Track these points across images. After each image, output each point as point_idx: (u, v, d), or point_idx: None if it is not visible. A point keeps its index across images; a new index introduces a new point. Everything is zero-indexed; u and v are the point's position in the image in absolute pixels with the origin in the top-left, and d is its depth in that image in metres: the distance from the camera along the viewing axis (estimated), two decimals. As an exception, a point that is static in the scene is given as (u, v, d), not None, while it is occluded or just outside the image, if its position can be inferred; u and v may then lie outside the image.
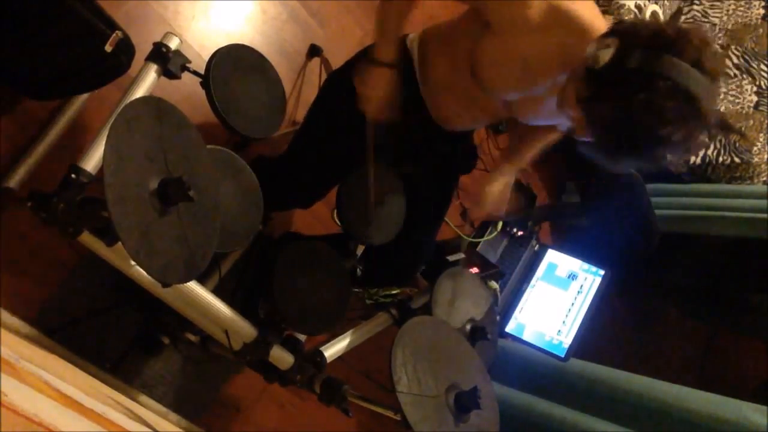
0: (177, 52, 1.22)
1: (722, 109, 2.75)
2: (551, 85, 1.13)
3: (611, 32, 0.95)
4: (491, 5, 1.06)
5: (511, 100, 1.24)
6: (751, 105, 2.76)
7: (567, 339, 1.92)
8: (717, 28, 2.94)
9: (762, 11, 2.88)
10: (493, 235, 1.98)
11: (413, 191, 1.47)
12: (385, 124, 1.26)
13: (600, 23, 1.04)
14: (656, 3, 2.61)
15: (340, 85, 1.41)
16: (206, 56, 1.29)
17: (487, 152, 2.58)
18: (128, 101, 0.88)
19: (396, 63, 1.21)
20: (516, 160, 1.51)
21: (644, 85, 0.87)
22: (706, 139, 0.93)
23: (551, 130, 1.42)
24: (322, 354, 1.23)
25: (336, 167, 1.42)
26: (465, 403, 1.08)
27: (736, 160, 2.66)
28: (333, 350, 1.26)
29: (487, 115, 1.34)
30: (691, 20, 2.92)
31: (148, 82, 1.17)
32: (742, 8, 2.87)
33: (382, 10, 1.20)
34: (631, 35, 0.91)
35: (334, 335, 1.32)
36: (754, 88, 2.77)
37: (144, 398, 1.53)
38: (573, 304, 2.01)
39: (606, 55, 0.91)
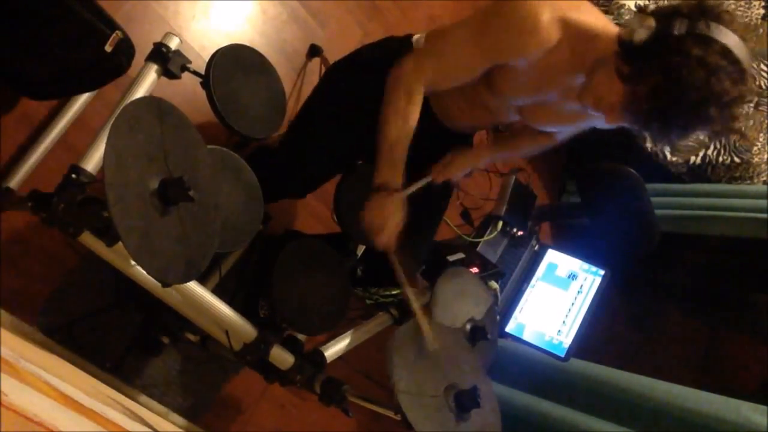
0: (177, 52, 1.22)
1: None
2: (564, 90, 1.14)
3: (646, 12, 0.96)
4: (509, 50, 1.07)
5: (521, 105, 1.24)
6: (751, 105, 2.76)
7: (567, 339, 1.92)
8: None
9: (762, 11, 2.88)
10: (493, 235, 1.97)
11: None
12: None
13: (605, 23, 1.06)
14: (656, 3, 2.61)
15: (341, 77, 1.41)
16: (206, 56, 1.29)
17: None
18: (128, 101, 0.88)
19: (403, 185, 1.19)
20: (497, 149, 1.50)
21: (693, 47, 0.88)
22: (740, 123, 0.94)
23: (548, 136, 1.42)
24: (322, 354, 1.23)
25: (335, 157, 1.42)
26: (465, 402, 1.08)
27: (736, 160, 2.66)
28: (333, 350, 1.26)
29: (493, 116, 1.34)
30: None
31: (148, 82, 1.17)
32: (742, 8, 2.87)
33: (390, 135, 1.16)
34: (670, 9, 0.93)
35: (334, 335, 1.32)
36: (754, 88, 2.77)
37: (144, 398, 1.53)
38: (573, 304, 2.01)
39: (647, 29, 0.92)
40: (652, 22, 0.93)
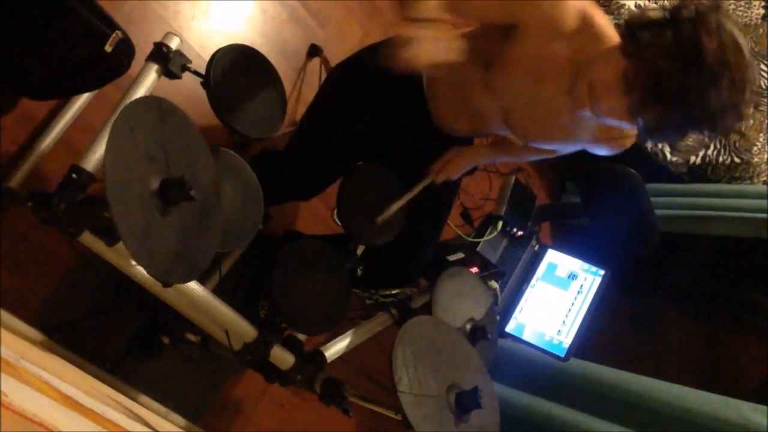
0: (177, 52, 1.22)
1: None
2: (560, 99, 1.13)
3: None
4: (529, 11, 1.06)
5: (512, 113, 1.24)
6: (752, 105, 2.76)
7: (567, 339, 1.92)
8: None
9: (762, 11, 2.88)
10: (493, 235, 1.97)
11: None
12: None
13: (614, 33, 1.07)
14: (656, 3, 2.61)
15: (342, 80, 1.41)
16: (206, 56, 1.29)
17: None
18: (129, 101, 0.88)
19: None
20: (498, 151, 1.50)
21: (706, 22, 0.89)
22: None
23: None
24: (322, 354, 1.23)
25: (339, 160, 1.42)
26: (466, 402, 1.08)
27: (736, 160, 2.66)
28: (333, 350, 1.26)
29: (485, 125, 1.34)
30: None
31: (148, 82, 1.17)
32: (742, 8, 2.87)
33: None
34: (676, 5, 0.94)
35: (334, 335, 1.31)
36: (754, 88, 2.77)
37: (144, 398, 1.52)
38: (573, 304, 2.01)
39: (656, 15, 0.93)
40: (659, 14, 0.94)
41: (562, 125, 1.20)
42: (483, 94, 1.22)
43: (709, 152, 2.66)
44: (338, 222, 1.97)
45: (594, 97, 1.03)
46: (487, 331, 1.37)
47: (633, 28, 0.96)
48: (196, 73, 1.27)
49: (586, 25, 1.04)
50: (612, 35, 1.06)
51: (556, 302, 2.03)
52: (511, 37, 1.10)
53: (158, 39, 1.21)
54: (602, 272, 2.05)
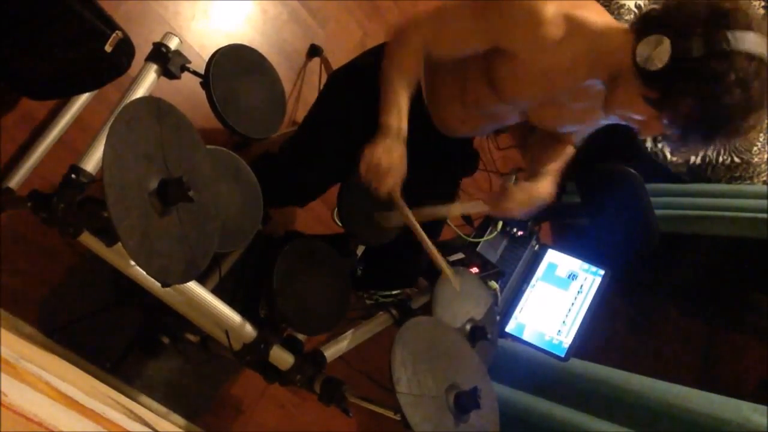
0: (177, 53, 1.22)
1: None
2: (575, 91, 1.13)
3: (653, 26, 0.94)
4: (507, 36, 1.05)
5: (528, 108, 1.23)
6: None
7: (567, 339, 1.92)
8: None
9: (762, 11, 2.88)
10: (493, 235, 1.97)
11: (414, 194, 1.46)
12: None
13: (610, 20, 1.05)
14: (656, 3, 2.60)
15: (342, 84, 1.41)
16: (206, 56, 1.29)
17: (488, 152, 2.58)
18: (128, 101, 0.88)
19: (405, 127, 1.17)
20: (543, 170, 1.39)
21: (720, 66, 0.88)
22: None
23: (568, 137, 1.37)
24: (322, 354, 1.23)
25: (338, 166, 1.42)
26: (465, 403, 1.08)
27: (736, 160, 2.65)
28: (333, 350, 1.26)
29: (496, 123, 1.33)
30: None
31: (148, 82, 1.17)
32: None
33: (393, 81, 1.16)
34: (679, 25, 0.91)
35: (334, 335, 1.32)
36: (754, 88, 2.76)
37: (144, 398, 1.53)
38: (573, 304, 2.01)
39: (664, 55, 0.91)
40: (666, 48, 0.91)
41: (585, 111, 1.20)
42: (497, 103, 1.21)
43: (709, 152, 2.65)
44: (338, 222, 1.97)
45: (632, 124, 1.05)
46: (487, 331, 1.37)
47: (646, 76, 0.94)
48: (195, 73, 1.27)
49: (575, 25, 1.02)
50: (606, 22, 1.04)
51: (556, 302, 2.03)
52: (503, 59, 1.09)
53: (158, 39, 1.21)
54: (602, 272, 2.04)
